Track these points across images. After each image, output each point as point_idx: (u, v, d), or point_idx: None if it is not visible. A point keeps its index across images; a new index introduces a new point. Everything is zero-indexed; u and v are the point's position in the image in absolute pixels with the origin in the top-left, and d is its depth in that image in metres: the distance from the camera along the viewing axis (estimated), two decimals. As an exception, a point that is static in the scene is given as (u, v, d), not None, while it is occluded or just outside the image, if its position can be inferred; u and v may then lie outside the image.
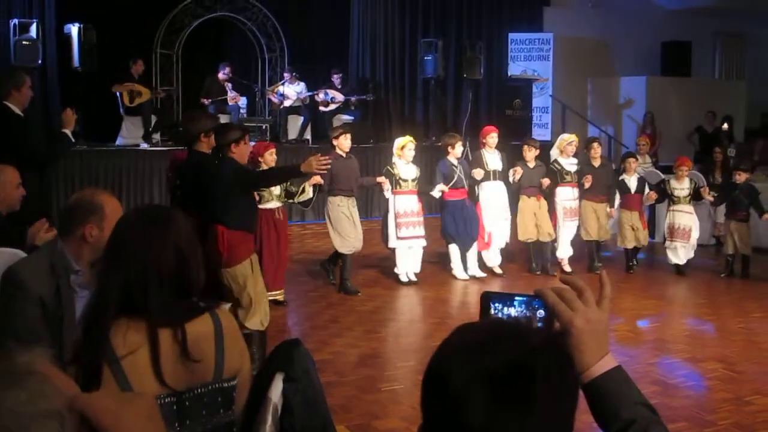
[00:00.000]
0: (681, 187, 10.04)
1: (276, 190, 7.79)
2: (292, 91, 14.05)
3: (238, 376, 2.37)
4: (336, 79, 14.36)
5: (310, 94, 14.13)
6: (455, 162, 9.43)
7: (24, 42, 11.30)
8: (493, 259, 9.81)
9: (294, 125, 14.19)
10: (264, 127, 13.89)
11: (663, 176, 10.91)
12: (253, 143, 7.56)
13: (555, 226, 9.91)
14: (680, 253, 10.00)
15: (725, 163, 11.93)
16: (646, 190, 10.17)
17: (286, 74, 14.19)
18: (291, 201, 8.27)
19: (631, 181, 10.14)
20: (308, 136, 14.07)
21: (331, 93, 14.21)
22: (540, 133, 15.55)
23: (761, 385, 5.97)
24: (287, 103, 14.08)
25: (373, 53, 16.11)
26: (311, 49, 15.37)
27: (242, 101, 13.92)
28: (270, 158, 7.70)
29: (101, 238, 3.06)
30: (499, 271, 9.78)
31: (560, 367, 1.29)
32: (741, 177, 9.89)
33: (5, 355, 1.11)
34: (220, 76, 13.32)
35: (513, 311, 1.48)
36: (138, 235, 2.30)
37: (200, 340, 2.28)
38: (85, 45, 11.75)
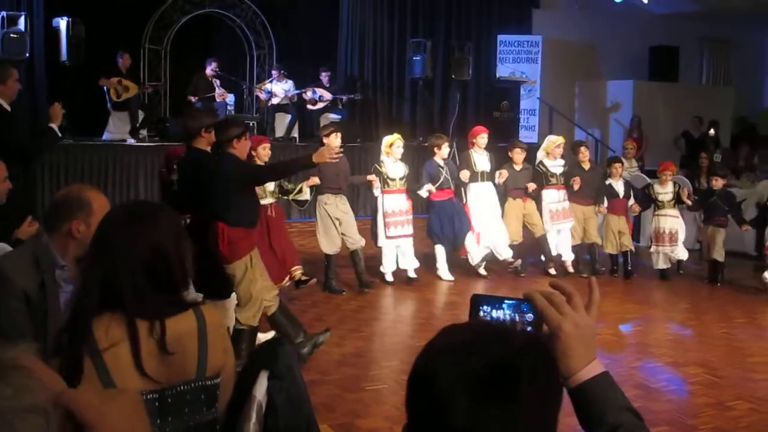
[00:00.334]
0: (665, 191, 10.05)
1: (270, 186, 7.73)
2: (280, 88, 14.03)
3: (222, 373, 2.37)
4: (324, 77, 14.37)
5: (298, 92, 14.13)
6: (441, 163, 9.44)
7: (12, 35, 11.23)
8: (476, 259, 9.78)
9: (281, 123, 14.18)
10: (251, 124, 13.85)
11: (649, 180, 10.94)
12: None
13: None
14: (662, 259, 10.02)
15: (711, 168, 11.97)
16: (631, 201, 10.19)
17: (274, 72, 14.17)
18: (285, 198, 8.23)
19: (618, 186, 10.16)
20: (295, 134, 14.08)
21: (319, 91, 14.21)
22: (527, 136, 15.56)
23: (743, 390, 6.00)
24: (275, 101, 14.05)
25: (361, 52, 16.14)
26: (299, 47, 15.35)
27: (230, 98, 13.91)
28: (263, 152, 7.63)
29: (88, 234, 3.05)
30: (483, 272, 9.77)
31: (545, 368, 1.30)
32: (718, 183, 9.90)
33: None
34: (208, 71, 13.29)
35: (502, 314, 1.49)
36: (118, 230, 2.30)
37: (183, 337, 2.27)
38: (73, 39, 11.71)
